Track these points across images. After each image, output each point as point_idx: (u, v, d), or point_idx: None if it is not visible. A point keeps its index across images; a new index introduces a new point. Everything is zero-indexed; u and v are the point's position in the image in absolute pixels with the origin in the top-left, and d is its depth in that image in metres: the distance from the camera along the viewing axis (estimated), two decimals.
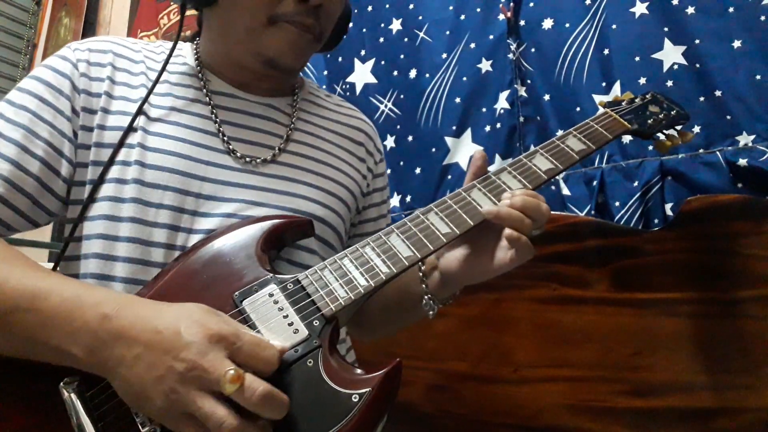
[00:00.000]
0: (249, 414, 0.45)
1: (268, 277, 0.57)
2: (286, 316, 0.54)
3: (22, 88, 0.63)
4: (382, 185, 0.85)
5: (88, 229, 0.61)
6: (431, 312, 0.67)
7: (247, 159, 0.67)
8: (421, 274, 0.68)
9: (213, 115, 0.68)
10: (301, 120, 0.75)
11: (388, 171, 1.40)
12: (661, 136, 0.80)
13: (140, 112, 0.64)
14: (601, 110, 0.78)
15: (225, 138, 0.67)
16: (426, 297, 0.67)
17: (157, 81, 0.65)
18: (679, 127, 0.81)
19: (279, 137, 0.71)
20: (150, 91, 0.65)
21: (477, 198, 0.63)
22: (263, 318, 0.54)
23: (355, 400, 0.49)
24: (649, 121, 0.78)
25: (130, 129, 0.63)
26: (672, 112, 0.81)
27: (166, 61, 0.67)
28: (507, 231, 0.59)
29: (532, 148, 0.69)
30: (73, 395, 0.48)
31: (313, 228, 0.65)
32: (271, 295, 0.55)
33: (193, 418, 0.45)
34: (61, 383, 0.49)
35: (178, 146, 0.64)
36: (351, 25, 1.49)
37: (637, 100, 0.81)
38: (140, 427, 0.48)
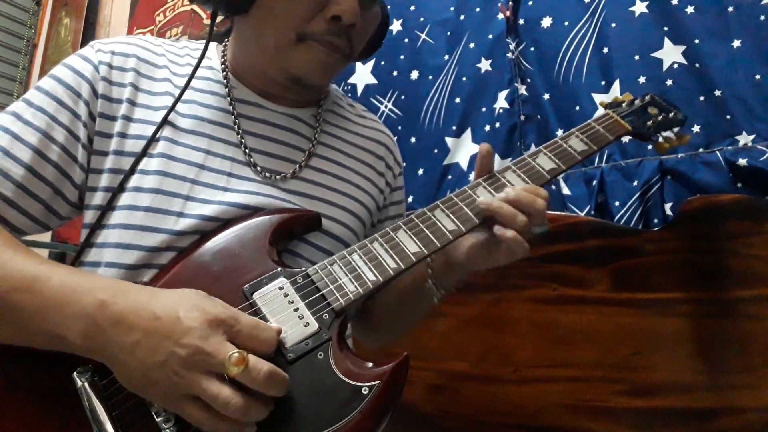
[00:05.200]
0: (251, 392, 0.46)
1: (277, 270, 0.57)
2: (296, 310, 0.55)
3: (41, 88, 0.62)
4: (399, 199, 0.84)
5: (104, 237, 0.60)
6: (435, 298, 0.68)
7: (267, 174, 0.66)
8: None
9: (236, 126, 0.67)
10: (324, 133, 0.74)
11: None
12: (660, 138, 0.80)
13: (165, 122, 0.63)
14: (602, 111, 0.78)
15: (246, 150, 0.66)
16: (430, 280, 0.67)
17: (180, 96, 0.63)
18: (676, 129, 0.82)
19: (301, 151, 0.70)
20: (173, 106, 0.63)
21: (482, 196, 0.64)
22: (274, 311, 0.54)
23: (365, 393, 0.50)
24: (648, 123, 0.79)
25: (153, 139, 0.62)
26: (670, 115, 0.82)
27: (192, 76, 0.64)
28: (495, 227, 0.60)
29: (533, 147, 0.70)
30: (86, 384, 0.49)
31: (320, 222, 0.66)
32: (281, 288, 0.56)
33: (198, 400, 0.46)
34: (75, 372, 0.49)
35: (200, 157, 0.63)
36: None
37: (636, 102, 0.82)
38: (155, 416, 0.48)
